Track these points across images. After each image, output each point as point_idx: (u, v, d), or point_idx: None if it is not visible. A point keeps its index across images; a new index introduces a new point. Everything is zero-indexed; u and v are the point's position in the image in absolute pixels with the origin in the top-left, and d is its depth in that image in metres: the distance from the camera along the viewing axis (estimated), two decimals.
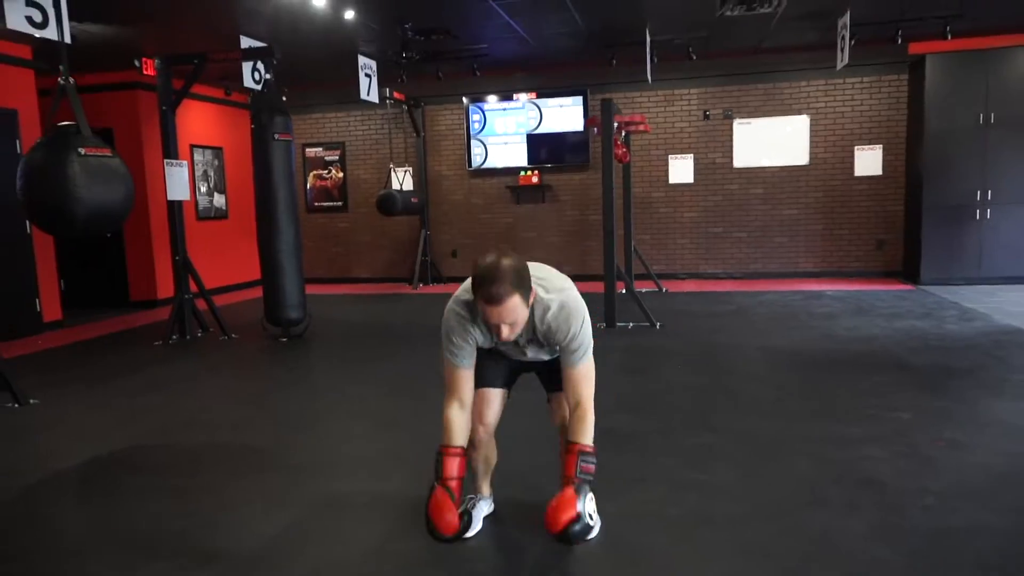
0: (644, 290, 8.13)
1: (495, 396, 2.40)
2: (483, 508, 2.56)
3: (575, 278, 2.43)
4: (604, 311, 6.18)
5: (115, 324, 7.30)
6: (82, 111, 3.98)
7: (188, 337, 6.33)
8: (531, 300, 2.06)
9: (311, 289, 6.61)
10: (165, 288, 8.23)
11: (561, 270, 2.33)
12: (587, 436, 2.10)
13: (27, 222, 6.54)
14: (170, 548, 2.46)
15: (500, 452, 2.54)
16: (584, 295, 2.26)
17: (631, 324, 6.15)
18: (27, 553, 2.48)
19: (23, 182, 3.87)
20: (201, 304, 6.50)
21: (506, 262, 1.97)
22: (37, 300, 6.88)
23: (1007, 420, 3.45)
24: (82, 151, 3.79)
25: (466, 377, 2.22)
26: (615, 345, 5.52)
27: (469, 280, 2.10)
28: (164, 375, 5.07)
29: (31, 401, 4.41)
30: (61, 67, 4.03)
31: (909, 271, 8.32)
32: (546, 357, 2.34)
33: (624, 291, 6.77)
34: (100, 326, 7.20)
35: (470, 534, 2.38)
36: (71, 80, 4.03)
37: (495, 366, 2.39)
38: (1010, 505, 2.54)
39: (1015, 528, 2.37)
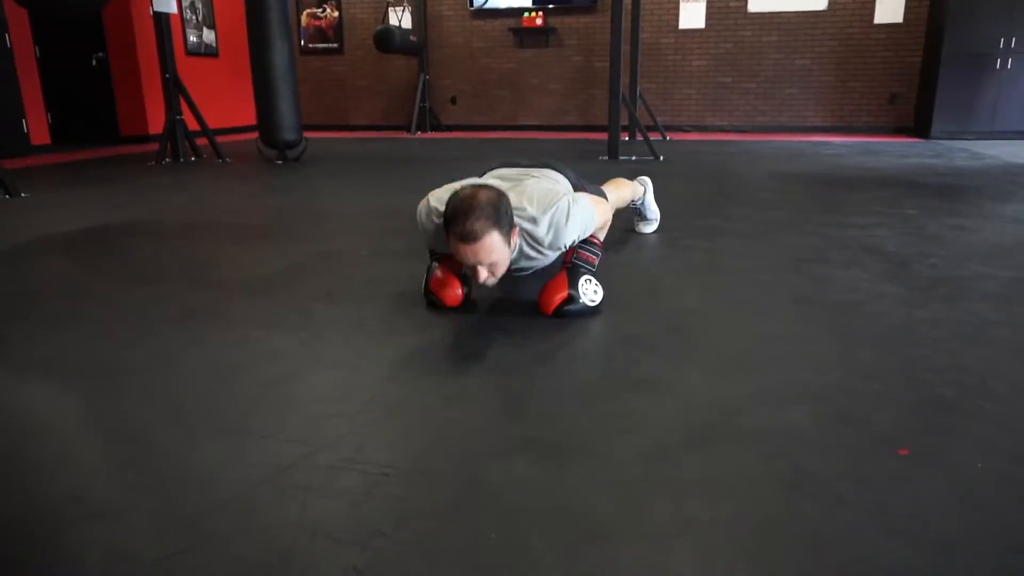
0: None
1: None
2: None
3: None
4: (608, 143, 6.04)
5: (106, 152, 7.12)
6: None
7: (181, 160, 6.19)
8: (513, 239, 1.83)
9: (308, 135, 6.40)
10: (156, 123, 8.00)
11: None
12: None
13: (6, 36, 6.24)
14: (171, 276, 2.44)
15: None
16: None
17: (634, 156, 6.03)
18: (19, 294, 2.46)
19: None
20: (193, 126, 6.30)
21: (483, 195, 1.75)
22: (24, 121, 6.67)
23: (1014, 215, 3.41)
24: None
25: None
26: (617, 169, 5.41)
27: (438, 193, 1.96)
28: (159, 183, 4.97)
29: (22, 194, 4.34)
30: None
31: (920, 127, 8.12)
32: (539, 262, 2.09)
33: (627, 139, 6.60)
34: (90, 152, 7.04)
35: None
36: None
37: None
38: (1016, 263, 2.52)
39: (1020, 277, 2.36)
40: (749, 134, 8.62)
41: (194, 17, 8.66)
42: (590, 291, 1.94)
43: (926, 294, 2.14)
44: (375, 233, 3.19)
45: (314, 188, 4.76)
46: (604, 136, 5.94)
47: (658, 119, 8.32)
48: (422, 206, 2.01)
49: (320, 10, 9.62)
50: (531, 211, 1.88)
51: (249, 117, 9.38)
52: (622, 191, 2.79)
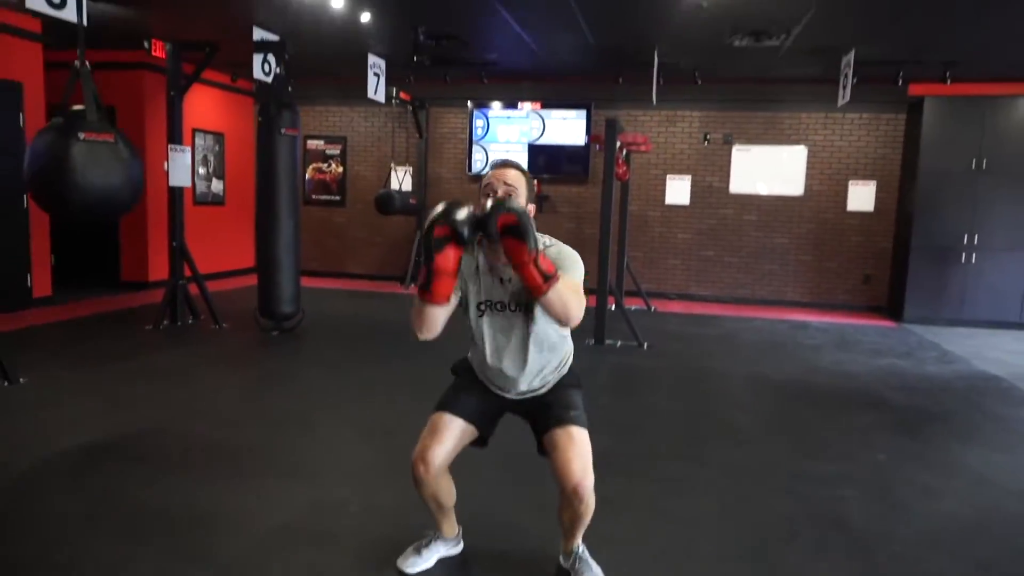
0: (633, 307, 8.22)
1: (451, 428, 2.17)
2: (438, 549, 2.39)
3: None
4: (594, 327, 6.27)
5: (105, 304, 7.29)
6: (92, 95, 4.02)
7: (179, 323, 6.35)
8: (531, 207, 2.10)
9: (305, 282, 6.63)
10: (157, 270, 8.23)
11: None
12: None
13: (24, 196, 6.53)
14: (156, 543, 2.51)
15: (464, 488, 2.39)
16: None
17: (619, 342, 6.24)
18: (14, 538, 2.51)
19: (27, 163, 3.91)
20: (193, 289, 6.50)
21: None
22: (28, 275, 6.87)
23: (976, 468, 3.57)
24: (82, 136, 3.82)
25: None
26: (602, 362, 5.61)
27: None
28: (155, 362, 5.10)
29: (20, 380, 4.43)
30: (78, 51, 4.06)
31: (893, 308, 8.48)
32: (525, 308, 2.13)
33: (613, 307, 6.87)
34: (90, 304, 7.20)
35: (419, 569, 2.33)
36: (87, 64, 4.06)
37: (472, 391, 2.26)
38: (977, 556, 2.64)
39: None
40: (731, 305, 8.95)
41: (206, 170, 9.09)
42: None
43: None
44: (366, 469, 3.28)
45: (306, 383, 4.89)
46: (592, 301, 6.17)
47: (644, 287, 8.66)
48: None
49: (325, 164, 10.13)
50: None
51: (248, 259, 9.70)
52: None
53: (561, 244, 2.15)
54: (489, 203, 1.91)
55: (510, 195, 2.03)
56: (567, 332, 2.24)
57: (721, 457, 3.60)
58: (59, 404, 4.08)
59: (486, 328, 2.17)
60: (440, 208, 1.89)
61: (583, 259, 2.16)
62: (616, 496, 3.07)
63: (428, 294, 1.96)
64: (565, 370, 2.30)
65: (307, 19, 5.92)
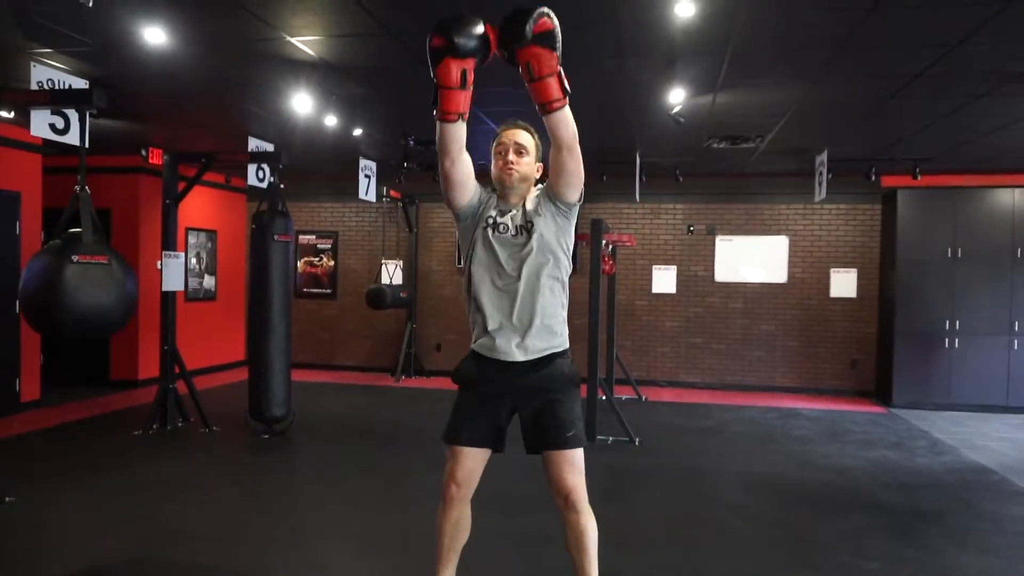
0: (624, 397, 8.25)
1: (469, 454, 2.30)
2: None
3: None
4: (585, 423, 6.27)
5: (94, 406, 7.24)
6: (90, 218, 4.13)
7: (169, 427, 6.31)
8: (539, 167, 2.28)
9: (296, 374, 6.62)
10: (147, 369, 8.22)
11: None
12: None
13: (16, 302, 6.58)
14: None
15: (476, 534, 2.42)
16: None
17: (610, 439, 6.24)
18: None
19: (21, 286, 3.98)
20: (183, 387, 6.47)
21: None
22: (17, 380, 6.85)
23: None
24: (75, 258, 3.90)
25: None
26: (595, 463, 5.55)
27: None
28: (144, 475, 5.04)
29: (7, 499, 4.37)
30: (79, 176, 4.20)
31: (881, 392, 8.54)
32: (532, 265, 2.30)
33: (604, 398, 6.89)
34: (78, 407, 7.15)
35: None
36: (87, 190, 4.20)
37: (475, 414, 2.32)
38: None
39: None
40: (721, 392, 8.98)
41: (198, 266, 9.21)
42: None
43: None
44: None
45: (297, 496, 4.84)
46: (583, 391, 6.21)
47: (634, 374, 8.70)
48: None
49: (317, 259, 10.28)
50: None
51: (239, 353, 9.71)
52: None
53: None
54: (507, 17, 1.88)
55: (520, 154, 2.24)
56: (562, 296, 2.36)
57: (719, 569, 3.58)
58: (46, 528, 4.01)
59: (489, 257, 2.29)
60: (448, 19, 1.88)
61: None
62: None
63: (439, 112, 2.01)
64: (565, 343, 2.37)
65: (301, 132, 6.16)
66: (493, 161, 2.20)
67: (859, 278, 8.86)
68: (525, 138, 2.27)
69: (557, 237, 2.25)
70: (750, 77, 4.69)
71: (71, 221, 4.15)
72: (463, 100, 2.00)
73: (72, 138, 4.60)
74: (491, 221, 2.33)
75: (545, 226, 2.29)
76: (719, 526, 4.25)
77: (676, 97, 4.91)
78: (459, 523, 2.34)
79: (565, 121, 2.05)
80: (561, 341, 2.36)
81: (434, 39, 1.86)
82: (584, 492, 2.17)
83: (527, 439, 2.33)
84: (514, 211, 2.31)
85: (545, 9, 1.87)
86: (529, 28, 1.82)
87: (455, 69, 1.92)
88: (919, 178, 7.62)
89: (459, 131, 2.08)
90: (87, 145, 4.53)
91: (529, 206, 2.31)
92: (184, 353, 6.54)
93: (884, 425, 7.24)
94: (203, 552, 3.69)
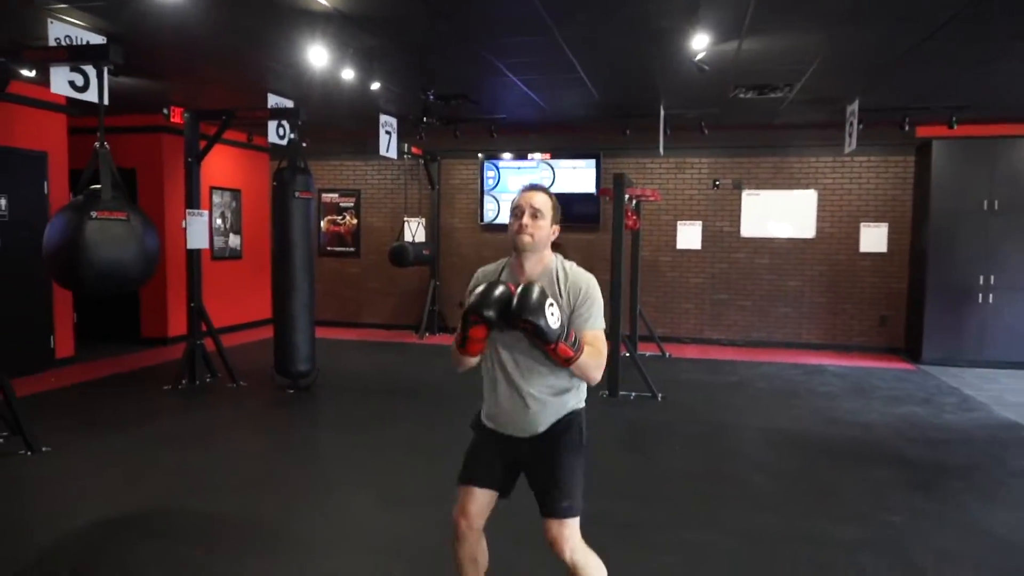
0: (647, 354, 8.23)
1: (479, 494, 2.33)
2: None
3: None
4: (607, 378, 6.28)
5: (126, 363, 7.41)
6: (109, 175, 4.14)
7: (197, 383, 6.44)
8: (555, 229, 2.28)
9: (321, 332, 6.68)
10: (176, 327, 8.36)
11: None
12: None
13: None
14: None
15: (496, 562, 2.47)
16: None
17: (633, 394, 6.23)
18: None
19: (44, 240, 4.03)
20: (210, 344, 6.58)
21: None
22: (51, 336, 7.02)
23: (997, 532, 3.51)
24: (94, 214, 3.92)
25: None
26: (616, 417, 5.60)
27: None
28: (173, 428, 5.16)
29: (44, 449, 4.51)
30: (98, 133, 4.21)
31: (911, 349, 8.40)
32: (542, 348, 2.20)
33: (626, 354, 6.86)
34: (110, 364, 7.32)
35: None
36: (107, 146, 4.21)
37: (487, 459, 2.35)
38: None
39: None
40: (746, 349, 8.91)
41: (223, 225, 9.28)
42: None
43: None
44: (381, 540, 3.29)
45: (321, 448, 4.94)
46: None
47: (658, 331, 8.66)
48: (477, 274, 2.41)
49: (340, 217, 10.30)
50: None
51: (266, 311, 9.81)
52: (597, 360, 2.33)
53: (581, 276, 2.28)
54: (515, 298, 2.08)
55: (536, 217, 2.22)
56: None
57: (740, 523, 3.57)
58: (79, 475, 4.14)
59: (499, 344, 2.29)
60: (476, 297, 2.13)
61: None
62: (635, 570, 3.06)
63: (464, 351, 2.24)
64: (578, 404, 2.33)
65: (319, 87, 6.10)
66: (510, 223, 2.27)
67: (890, 232, 8.64)
68: (541, 201, 2.26)
69: (562, 320, 2.21)
70: (777, 21, 4.52)
71: (92, 178, 4.18)
72: (483, 345, 2.27)
73: (91, 95, 4.61)
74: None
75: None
76: (739, 480, 4.24)
77: (700, 43, 4.75)
78: (475, 556, 2.37)
79: (580, 369, 2.19)
80: (573, 404, 2.33)
81: (472, 316, 2.13)
82: (581, 546, 2.25)
83: (533, 486, 2.36)
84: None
85: (524, 312, 2.04)
86: (516, 325, 2.08)
87: (484, 331, 2.18)
88: (955, 127, 7.35)
89: (476, 360, 2.33)
90: (106, 102, 4.52)
91: (544, 281, 2.24)
92: (212, 311, 6.64)
93: (913, 381, 7.13)
94: (228, 501, 3.78)
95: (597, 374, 2.20)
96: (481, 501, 2.32)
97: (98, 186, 4.10)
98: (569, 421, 2.29)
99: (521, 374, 2.26)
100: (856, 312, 8.80)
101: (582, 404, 2.33)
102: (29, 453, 4.45)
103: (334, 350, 8.19)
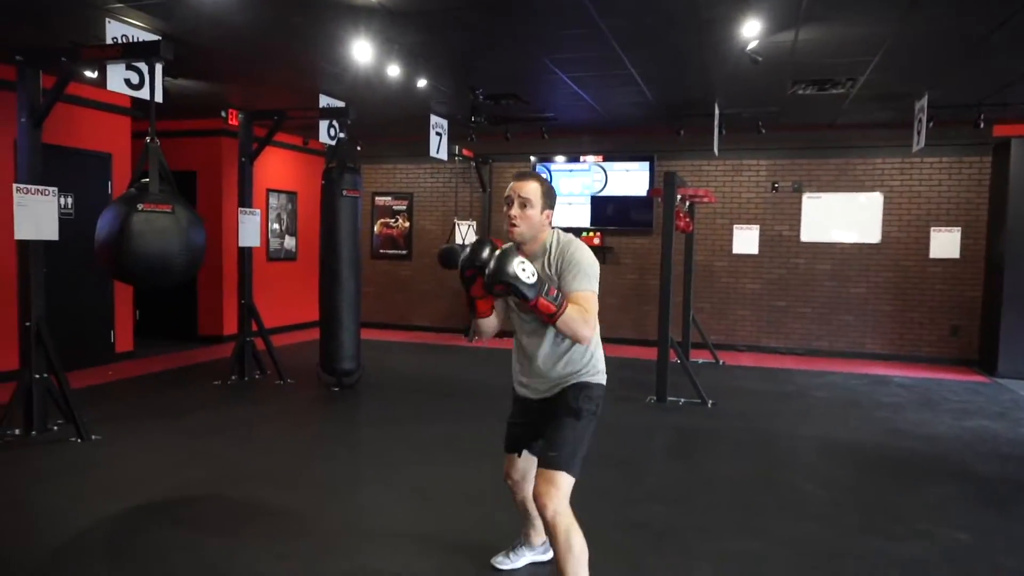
0: (700, 361, 7.98)
1: (517, 460, 2.70)
2: (524, 554, 2.86)
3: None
4: (656, 383, 6.09)
5: (180, 359, 7.59)
6: (158, 168, 4.22)
7: (246, 379, 6.53)
8: (547, 215, 2.36)
9: (371, 334, 6.72)
10: (231, 325, 8.54)
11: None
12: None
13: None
14: None
15: None
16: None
17: (682, 400, 6.03)
18: None
19: (96, 232, 4.12)
20: (260, 344, 6.69)
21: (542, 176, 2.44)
22: (112, 331, 7.25)
23: None
24: (141, 207, 3.99)
25: None
26: (663, 423, 5.42)
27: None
28: (220, 419, 5.24)
29: (93, 437, 4.62)
30: (149, 128, 4.30)
31: (985, 361, 7.90)
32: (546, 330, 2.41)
33: (676, 360, 6.64)
34: (166, 359, 7.52)
35: (504, 567, 2.83)
36: (157, 141, 4.29)
37: (515, 422, 2.65)
38: None
39: None
40: (805, 358, 8.55)
41: (279, 227, 9.47)
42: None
43: None
44: (411, 537, 3.22)
45: (362, 444, 4.92)
46: (654, 354, 6.03)
47: (712, 339, 8.39)
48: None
49: (393, 220, 10.38)
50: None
51: (317, 312, 9.96)
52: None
53: (575, 245, 2.37)
54: (492, 262, 2.18)
55: (524, 207, 2.32)
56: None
57: (786, 533, 3.37)
58: (124, 463, 4.22)
59: (517, 319, 2.51)
60: (468, 251, 2.29)
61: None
62: (667, 573, 2.90)
63: (474, 312, 2.46)
64: (588, 374, 2.45)
65: (367, 86, 6.13)
66: (504, 209, 2.42)
67: (963, 237, 8.16)
68: (530, 189, 2.34)
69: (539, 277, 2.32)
70: (836, 7, 4.29)
71: (145, 173, 4.27)
72: (490, 303, 2.44)
73: (146, 93, 4.72)
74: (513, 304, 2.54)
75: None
76: (790, 489, 4.01)
77: (751, 30, 4.55)
78: (526, 501, 2.71)
79: (567, 325, 2.25)
80: (579, 371, 2.45)
81: (467, 271, 2.30)
82: (563, 519, 2.28)
83: (533, 436, 2.64)
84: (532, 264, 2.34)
85: (499, 274, 2.14)
86: (492, 290, 2.23)
87: (483, 284, 2.28)
88: None
89: (493, 319, 2.51)
90: (159, 99, 4.62)
91: (539, 256, 2.40)
92: (266, 311, 6.74)
93: (986, 394, 6.69)
94: (263, 491, 3.78)
95: (584, 331, 2.25)
96: (519, 464, 2.67)
97: (146, 179, 4.19)
98: (576, 387, 2.42)
99: (528, 339, 2.45)
100: (925, 321, 8.34)
101: (596, 378, 2.46)
102: (79, 441, 4.57)
103: (383, 351, 8.22)
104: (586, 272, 2.30)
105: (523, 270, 2.14)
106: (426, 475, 4.16)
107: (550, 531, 2.30)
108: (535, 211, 2.33)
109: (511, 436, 2.67)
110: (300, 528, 3.31)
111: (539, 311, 2.19)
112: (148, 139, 4.27)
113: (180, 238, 4.01)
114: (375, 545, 3.16)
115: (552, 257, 2.35)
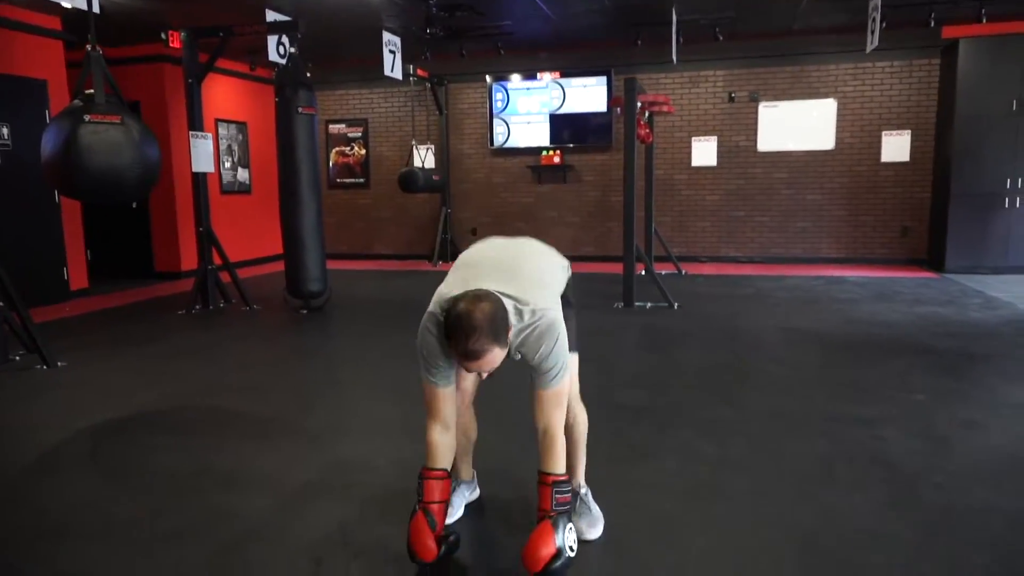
0: (664, 272, 8.10)
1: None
2: (464, 494, 2.46)
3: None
4: (622, 290, 6.19)
5: (139, 294, 7.42)
6: (102, 79, 4.01)
7: (211, 308, 6.43)
8: (508, 337, 1.90)
9: (333, 264, 6.65)
10: (189, 260, 8.35)
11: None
12: (559, 465, 1.98)
13: (55, 192, 6.66)
14: (184, 505, 2.53)
15: (482, 442, 2.46)
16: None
17: (649, 304, 6.15)
18: (45, 502, 2.56)
19: (42, 147, 3.94)
20: (224, 277, 6.58)
21: (481, 311, 1.83)
22: (64, 268, 7.02)
23: (1022, 402, 3.42)
24: (87, 118, 3.82)
25: (447, 396, 2.10)
26: (631, 323, 5.53)
27: (439, 293, 2.04)
28: (187, 342, 5.17)
29: (59, 364, 4.52)
30: (89, 36, 4.08)
31: (934, 259, 8.21)
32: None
33: (643, 272, 6.75)
34: (125, 295, 7.34)
35: (451, 520, 2.32)
36: (98, 49, 4.08)
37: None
38: (1022, 489, 2.53)
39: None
40: (764, 265, 8.76)
41: (230, 159, 9.18)
42: (571, 540, 1.94)
43: (929, 541, 2.15)
44: (391, 428, 3.27)
45: (333, 354, 4.91)
46: (621, 268, 6.11)
47: (674, 251, 8.52)
48: (421, 332, 2.10)
49: (348, 148, 10.15)
50: (532, 305, 1.94)
51: (277, 246, 9.76)
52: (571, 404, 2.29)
53: (543, 323, 1.95)
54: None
55: (491, 374, 1.97)
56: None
57: (756, 403, 3.52)
58: (92, 383, 4.15)
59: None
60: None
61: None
62: (646, 444, 3.02)
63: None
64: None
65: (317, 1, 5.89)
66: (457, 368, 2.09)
67: (913, 140, 8.36)
68: (489, 359, 1.88)
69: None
70: None
71: (87, 85, 4.07)
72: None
73: (81, 2, 4.46)
74: None
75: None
76: (758, 372, 4.16)
77: None
78: (467, 429, 2.41)
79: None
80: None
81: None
82: (559, 420, 2.02)
83: None
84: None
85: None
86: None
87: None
88: (985, 22, 6.99)
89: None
90: (96, 9, 4.38)
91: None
92: (223, 245, 6.56)
93: (935, 288, 6.98)
94: (240, 399, 3.77)
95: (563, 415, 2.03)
96: (469, 377, 2.32)
97: (90, 91, 4.00)
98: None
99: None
100: (878, 224, 8.60)
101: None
102: (45, 367, 4.47)
103: (348, 279, 8.15)
104: (560, 362, 1.97)
105: (571, 547, 1.94)
106: (404, 374, 4.18)
107: (546, 435, 2.01)
108: (500, 361, 1.92)
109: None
110: (283, 427, 3.33)
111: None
112: (89, 47, 4.06)
113: (131, 151, 3.86)
114: (357, 436, 3.20)
115: (516, 348, 1.97)
